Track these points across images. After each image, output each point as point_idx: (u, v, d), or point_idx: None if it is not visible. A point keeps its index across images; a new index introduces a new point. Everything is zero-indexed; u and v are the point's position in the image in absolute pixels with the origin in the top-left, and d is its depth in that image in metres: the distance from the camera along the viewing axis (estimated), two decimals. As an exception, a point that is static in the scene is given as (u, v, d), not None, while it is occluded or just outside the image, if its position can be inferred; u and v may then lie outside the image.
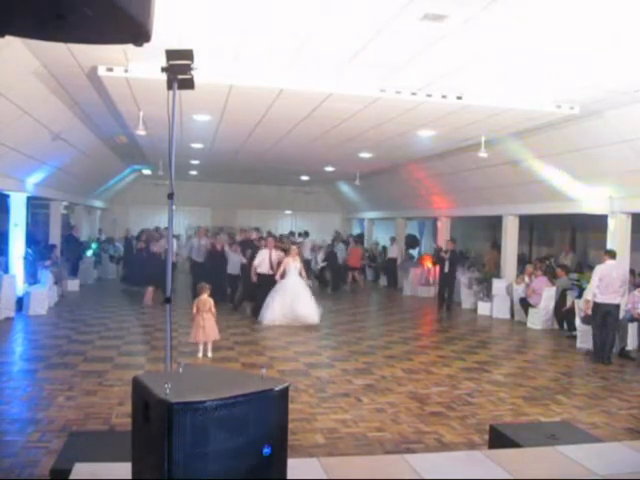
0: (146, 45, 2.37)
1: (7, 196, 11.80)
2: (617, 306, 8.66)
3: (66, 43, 5.71)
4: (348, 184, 20.25)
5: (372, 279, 20.64)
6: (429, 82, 7.06)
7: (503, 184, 12.44)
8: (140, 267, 13.69)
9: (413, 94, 7.44)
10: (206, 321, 7.93)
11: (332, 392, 6.59)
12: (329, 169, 16.37)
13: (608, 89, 7.02)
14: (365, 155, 12.97)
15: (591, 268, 13.14)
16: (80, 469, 3.03)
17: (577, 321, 9.87)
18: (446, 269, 13.64)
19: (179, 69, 4.17)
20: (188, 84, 4.29)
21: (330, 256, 17.38)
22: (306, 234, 20.16)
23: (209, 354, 8.03)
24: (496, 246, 16.33)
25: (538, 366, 8.33)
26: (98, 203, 20.47)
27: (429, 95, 7.46)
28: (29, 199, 12.54)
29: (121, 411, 5.51)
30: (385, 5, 4.80)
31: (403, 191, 17.34)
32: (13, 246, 11.79)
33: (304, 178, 20.07)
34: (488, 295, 13.39)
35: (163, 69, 4.19)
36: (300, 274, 11.17)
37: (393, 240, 18.84)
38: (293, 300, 10.82)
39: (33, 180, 11.96)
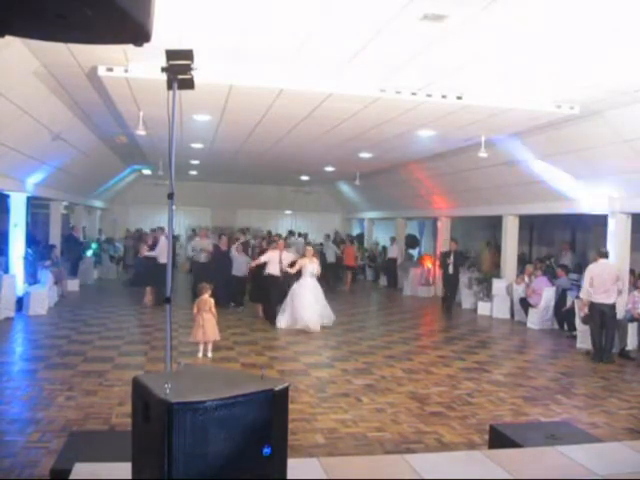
0: (146, 45, 2.37)
1: (7, 196, 11.80)
2: (612, 306, 8.69)
3: (66, 43, 5.70)
4: (348, 184, 20.26)
5: (372, 279, 20.64)
6: (429, 82, 7.06)
7: (503, 184, 12.44)
8: (140, 268, 13.63)
9: (413, 94, 7.44)
10: (206, 321, 7.93)
11: (332, 392, 6.59)
12: (329, 169, 16.37)
13: (608, 89, 7.02)
14: (365, 155, 12.97)
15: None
16: (80, 469, 3.03)
17: (577, 321, 9.87)
18: (450, 271, 13.46)
19: (179, 69, 4.17)
20: (188, 84, 4.28)
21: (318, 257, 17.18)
22: (305, 236, 20.24)
23: (209, 354, 8.03)
24: (490, 245, 16.35)
25: (538, 366, 8.33)
26: (98, 203, 20.47)
27: (429, 95, 7.46)
28: (29, 199, 12.54)
29: (121, 411, 5.51)
30: (385, 5, 4.80)
31: (403, 191, 17.35)
32: (13, 246, 11.79)
33: (304, 178, 20.07)
34: (488, 295, 13.40)
35: (163, 69, 4.19)
36: (316, 276, 10.85)
37: (393, 240, 18.84)
38: (303, 302, 10.48)
39: (33, 180, 11.96)
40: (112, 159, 15.50)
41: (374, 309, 14.61)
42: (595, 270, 8.81)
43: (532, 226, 17.19)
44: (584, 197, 10.54)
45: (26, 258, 12.06)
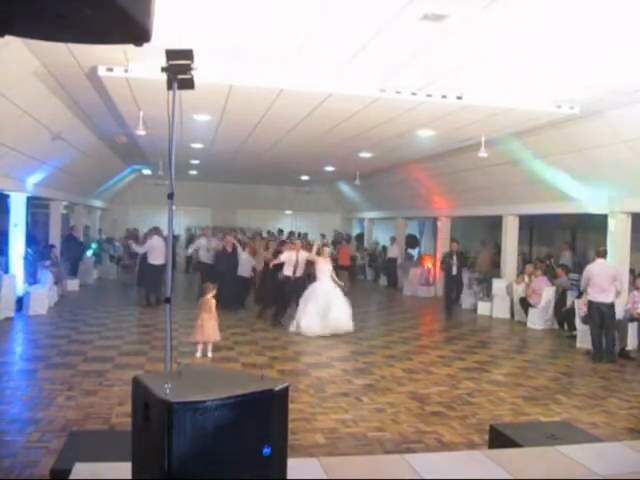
0: (146, 45, 2.36)
1: (7, 196, 11.79)
2: (610, 305, 8.69)
3: (66, 43, 5.70)
4: (348, 184, 20.26)
5: (372, 279, 20.64)
6: (429, 82, 7.06)
7: (503, 184, 12.44)
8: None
9: (413, 94, 7.44)
10: (205, 321, 7.93)
11: (332, 392, 6.59)
12: (329, 169, 16.37)
13: (608, 89, 7.02)
14: (365, 155, 12.97)
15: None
16: (80, 469, 3.03)
17: (577, 321, 9.87)
18: (454, 272, 13.04)
19: (179, 69, 4.16)
20: (188, 84, 4.28)
21: None
22: (305, 235, 20.23)
23: (209, 354, 8.03)
24: (485, 244, 16.36)
25: (538, 366, 8.33)
26: (98, 203, 20.47)
27: (429, 95, 7.46)
28: (29, 199, 12.53)
29: (121, 411, 5.51)
30: (385, 5, 4.80)
31: (403, 191, 17.35)
32: (13, 246, 11.78)
33: (304, 178, 20.08)
34: (488, 295, 13.40)
35: (163, 69, 4.18)
36: (332, 277, 10.46)
37: (393, 240, 18.84)
38: (327, 307, 9.98)
39: (33, 180, 11.96)
40: (112, 159, 15.49)
41: (374, 309, 14.59)
42: (592, 270, 8.83)
43: (532, 226, 17.20)
44: (584, 197, 10.54)
45: (26, 258, 12.06)
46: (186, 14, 5.08)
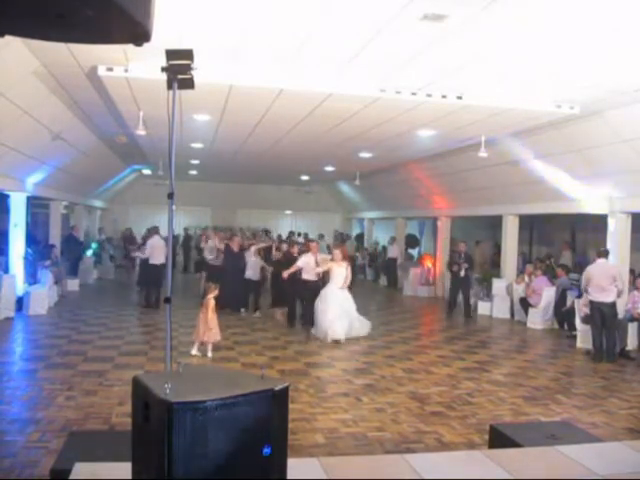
0: (146, 45, 2.37)
1: (7, 196, 11.79)
2: (611, 305, 8.69)
3: (66, 43, 5.70)
4: (348, 184, 20.26)
5: (372, 279, 20.64)
6: (429, 82, 7.06)
7: (503, 184, 12.44)
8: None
9: (413, 94, 7.44)
10: (204, 321, 7.93)
11: (332, 392, 6.59)
12: (329, 169, 16.37)
13: (608, 89, 7.02)
14: (365, 155, 12.97)
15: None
16: (80, 469, 3.03)
17: (577, 321, 9.87)
18: (462, 273, 12.71)
19: (179, 69, 4.17)
20: (188, 84, 4.28)
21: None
22: (306, 235, 20.24)
23: (209, 354, 8.02)
24: (480, 243, 16.37)
25: (538, 366, 8.33)
26: (98, 203, 20.47)
27: (429, 95, 7.46)
28: (29, 199, 12.53)
29: (121, 411, 5.51)
30: (385, 5, 4.80)
31: (403, 191, 17.35)
32: (13, 246, 11.78)
33: (304, 178, 20.08)
34: (488, 295, 13.39)
35: (163, 69, 4.19)
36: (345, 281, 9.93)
37: (393, 240, 18.84)
38: (345, 312, 9.63)
39: (33, 180, 11.96)
40: (112, 159, 15.49)
41: (374, 309, 14.58)
42: (592, 270, 8.83)
43: (532, 226, 17.20)
44: (584, 197, 10.54)
45: (26, 258, 12.06)
46: (186, 14, 5.08)
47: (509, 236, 13.39)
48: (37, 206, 16.36)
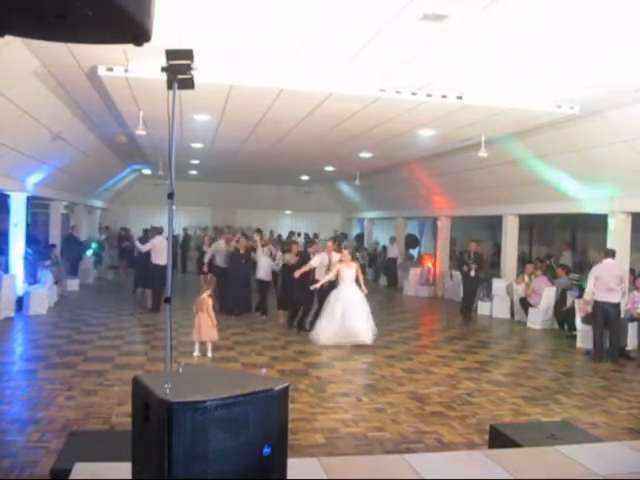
0: (146, 45, 2.36)
1: (7, 196, 11.80)
2: (616, 305, 8.68)
3: (66, 43, 5.70)
4: (348, 184, 20.26)
5: (372, 279, 20.63)
6: (429, 82, 7.06)
7: (503, 184, 12.44)
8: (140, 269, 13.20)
9: (413, 94, 7.44)
10: (202, 321, 7.93)
11: (332, 392, 6.59)
12: (329, 169, 16.37)
13: (608, 89, 7.02)
14: (365, 155, 12.97)
15: (591, 268, 13.19)
16: (80, 469, 3.03)
17: (577, 321, 9.87)
18: (472, 273, 12.49)
19: (179, 69, 4.17)
20: (188, 84, 4.28)
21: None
22: (306, 235, 20.27)
23: (209, 354, 8.03)
24: (476, 242, 16.33)
25: (538, 366, 8.33)
26: (98, 203, 20.48)
27: (429, 95, 7.46)
28: (29, 199, 12.53)
29: (121, 411, 5.51)
30: (385, 5, 4.80)
31: (403, 191, 17.35)
32: (13, 246, 11.78)
33: (304, 178, 20.08)
34: (488, 295, 13.39)
35: (163, 69, 4.19)
36: (357, 282, 9.51)
37: (393, 240, 18.83)
38: (345, 314, 9.14)
39: (33, 180, 11.96)
40: (112, 159, 15.49)
41: (374, 309, 14.56)
42: (599, 270, 8.77)
43: (532, 226, 17.21)
44: (584, 197, 10.54)
45: (26, 258, 12.06)
46: (186, 14, 5.08)
47: (509, 236, 13.40)
48: (37, 206, 16.36)
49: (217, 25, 5.38)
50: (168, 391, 2.22)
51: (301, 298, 10.21)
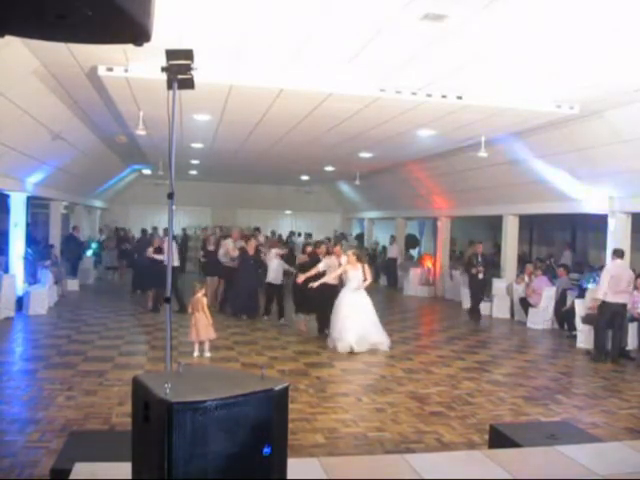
0: (146, 45, 2.37)
1: (7, 196, 11.80)
2: (625, 306, 8.68)
3: (66, 43, 5.71)
4: (348, 184, 20.26)
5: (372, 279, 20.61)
6: (429, 82, 7.06)
7: (503, 184, 12.44)
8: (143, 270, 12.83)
9: (413, 94, 7.44)
10: (198, 321, 7.94)
11: (332, 392, 6.59)
12: (329, 169, 16.37)
13: (608, 89, 7.02)
14: (365, 155, 12.97)
15: (591, 267, 13.21)
16: (80, 469, 3.03)
17: (577, 321, 9.87)
18: (480, 275, 12.34)
19: (179, 69, 4.18)
20: (188, 84, 4.29)
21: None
22: (306, 235, 20.28)
23: (207, 354, 8.02)
24: (474, 243, 16.35)
25: (538, 366, 8.33)
26: (98, 203, 20.48)
27: (429, 95, 7.46)
28: (29, 199, 12.53)
29: (121, 411, 5.51)
30: (385, 5, 4.80)
31: (403, 191, 17.35)
32: (13, 246, 11.78)
33: (304, 178, 20.08)
34: (488, 295, 13.39)
35: (163, 69, 4.19)
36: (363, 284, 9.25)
37: (393, 240, 18.83)
38: (364, 321, 8.85)
39: (33, 180, 11.96)
40: (112, 159, 15.49)
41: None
42: (614, 270, 8.71)
43: (532, 226, 17.21)
44: (584, 197, 10.54)
45: (26, 258, 12.06)
46: (186, 14, 5.08)
47: (509, 236, 13.40)
48: (37, 206, 16.36)
49: (217, 25, 5.38)
50: (168, 391, 2.22)
51: (317, 302, 9.80)
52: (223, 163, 15.89)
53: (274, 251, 11.67)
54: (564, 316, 10.95)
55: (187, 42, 5.16)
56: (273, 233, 20.69)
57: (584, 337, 9.46)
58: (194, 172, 18.67)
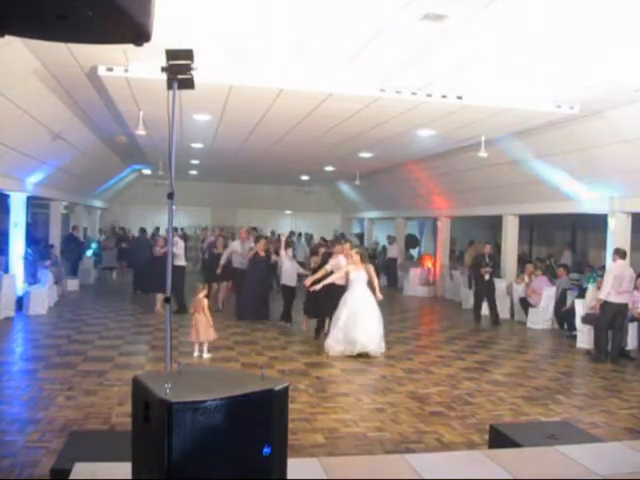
0: (146, 45, 2.37)
1: (7, 196, 11.80)
2: (626, 305, 8.68)
3: (66, 43, 5.71)
4: (348, 184, 20.27)
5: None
6: (429, 82, 7.06)
7: (503, 184, 12.44)
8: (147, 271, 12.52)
9: (413, 94, 7.44)
10: (198, 322, 7.93)
11: (332, 392, 6.59)
12: (329, 169, 16.37)
13: (608, 89, 7.02)
14: (365, 155, 12.97)
15: (591, 267, 13.21)
16: (80, 469, 3.03)
17: (577, 321, 9.87)
18: (487, 277, 12.08)
19: (179, 69, 4.17)
20: (188, 84, 4.28)
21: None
22: (306, 235, 20.30)
23: (205, 355, 8.00)
24: (473, 243, 16.37)
25: (538, 366, 8.33)
26: (98, 203, 20.48)
27: (429, 95, 7.47)
28: (29, 199, 12.53)
29: (121, 411, 5.51)
30: (385, 5, 4.80)
31: (403, 191, 17.36)
32: (13, 246, 11.78)
33: (304, 178, 20.09)
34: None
35: (163, 69, 4.19)
36: (370, 286, 8.90)
37: (392, 239, 18.83)
38: (352, 320, 8.43)
39: (33, 180, 11.96)
40: (112, 159, 15.50)
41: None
42: (618, 271, 8.68)
43: (532, 226, 17.22)
44: (584, 197, 10.54)
45: (26, 258, 12.06)
46: (186, 14, 5.08)
47: (509, 236, 13.40)
48: (37, 206, 16.36)
49: (217, 25, 5.38)
50: (168, 391, 2.22)
51: (325, 305, 9.37)
52: (223, 163, 15.90)
53: (285, 252, 11.00)
54: (564, 316, 10.95)
55: (187, 42, 5.16)
56: (273, 233, 20.71)
57: (584, 337, 9.46)
58: (194, 172, 18.68)
